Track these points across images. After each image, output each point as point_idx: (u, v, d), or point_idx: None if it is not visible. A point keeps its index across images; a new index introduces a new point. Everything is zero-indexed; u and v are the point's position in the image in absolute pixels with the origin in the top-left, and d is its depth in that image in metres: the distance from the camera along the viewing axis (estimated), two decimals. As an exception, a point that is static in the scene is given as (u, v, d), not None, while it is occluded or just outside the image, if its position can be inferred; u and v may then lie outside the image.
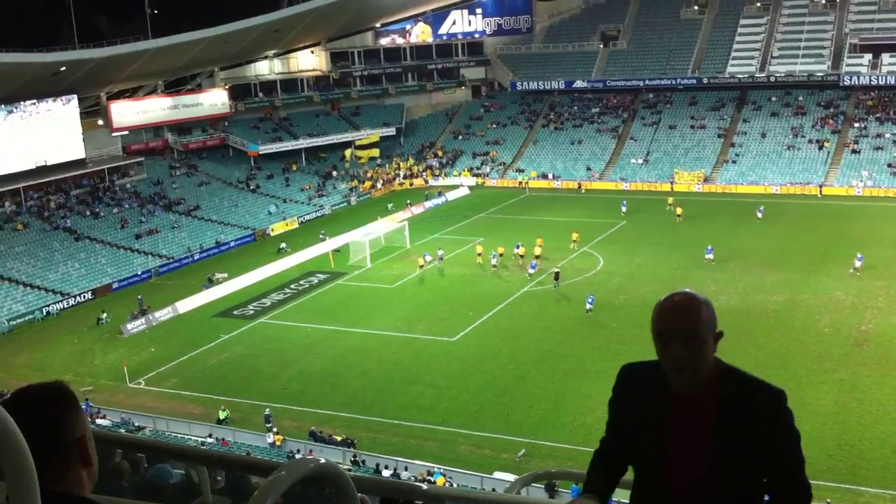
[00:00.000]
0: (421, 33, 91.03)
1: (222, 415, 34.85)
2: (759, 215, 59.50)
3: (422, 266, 52.10)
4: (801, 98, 78.43)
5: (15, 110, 62.80)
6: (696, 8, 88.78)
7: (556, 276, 47.76)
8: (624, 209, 63.11)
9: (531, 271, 49.53)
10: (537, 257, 51.04)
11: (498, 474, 28.18)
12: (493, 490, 21.58)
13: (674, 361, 3.10)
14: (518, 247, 53.04)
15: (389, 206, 69.74)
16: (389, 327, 43.60)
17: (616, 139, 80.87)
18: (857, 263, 47.02)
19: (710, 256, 49.52)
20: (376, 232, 59.07)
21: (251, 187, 74.05)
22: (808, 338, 38.77)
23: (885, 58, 76.31)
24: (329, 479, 2.48)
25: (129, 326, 46.02)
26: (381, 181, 78.58)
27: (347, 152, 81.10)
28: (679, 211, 60.90)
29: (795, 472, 3.19)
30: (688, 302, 3.12)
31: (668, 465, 3.22)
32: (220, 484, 5.00)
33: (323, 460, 2.44)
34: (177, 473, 6.08)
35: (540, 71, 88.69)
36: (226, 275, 53.82)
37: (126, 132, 72.46)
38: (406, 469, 29.47)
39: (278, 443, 32.35)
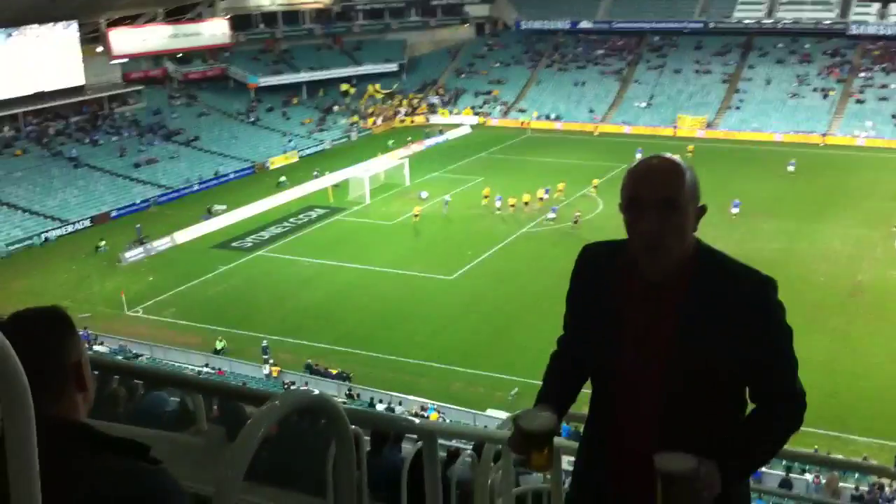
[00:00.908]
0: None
1: (219, 345, 35.12)
2: (791, 169, 57.11)
3: (416, 216, 50.34)
4: (807, 46, 77.70)
5: (14, 35, 62.11)
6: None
7: (576, 219, 47.63)
8: (639, 156, 61.14)
9: (552, 216, 49.11)
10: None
11: (490, 412, 28.51)
12: (485, 427, 21.85)
13: (646, 236, 2.63)
14: (547, 192, 52.25)
15: (390, 142, 69.42)
16: (387, 264, 43.71)
17: (620, 82, 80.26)
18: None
19: (736, 211, 47.39)
20: (376, 168, 58.89)
21: (251, 119, 73.65)
22: (803, 286, 38.81)
23: (894, 7, 75.37)
24: (322, 411, 2.51)
25: (127, 255, 46.10)
26: (382, 118, 78.14)
27: (370, 87, 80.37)
28: (691, 148, 60.46)
29: (785, 375, 2.75)
30: (668, 164, 2.68)
31: (624, 366, 2.76)
32: (216, 412, 5.07)
33: (316, 392, 2.47)
34: (172, 401, 6.16)
35: (545, 10, 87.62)
36: (224, 207, 53.79)
37: (125, 60, 71.79)
38: (400, 404, 29.79)
39: (275, 374, 32.66)
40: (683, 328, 2.66)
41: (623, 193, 2.69)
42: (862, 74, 73.85)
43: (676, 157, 2.72)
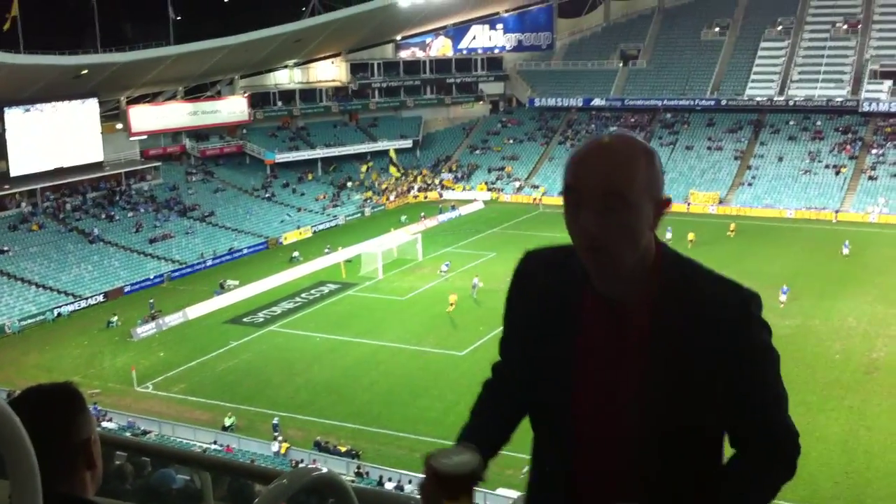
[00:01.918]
0: (441, 47, 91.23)
1: (228, 421, 34.88)
2: (846, 252, 55.30)
3: (452, 305, 47.43)
4: (819, 123, 78.21)
5: (35, 111, 63.18)
6: (717, 29, 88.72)
7: None
8: (669, 235, 55.66)
9: None
10: None
11: (501, 490, 28.07)
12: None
13: (584, 235, 2.08)
14: None
15: (403, 218, 69.81)
16: (399, 339, 43.58)
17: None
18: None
19: (784, 299, 44.94)
20: (389, 243, 59.12)
21: (266, 195, 74.28)
22: (818, 364, 38.54)
23: (905, 85, 76.12)
24: (331, 490, 2.49)
25: (139, 330, 46.15)
26: (396, 193, 78.71)
27: (392, 168, 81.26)
28: (733, 227, 61.17)
29: (773, 413, 2.27)
30: (617, 145, 2.13)
31: (577, 400, 2.25)
32: (223, 491, 5.02)
33: (325, 470, 2.45)
34: (180, 479, 6.11)
35: (558, 88, 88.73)
36: (237, 282, 53.94)
37: (144, 137, 72.81)
38: (410, 482, 29.41)
39: (283, 451, 32.36)
40: (650, 363, 2.17)
41: (563, 179, 2.14)
42: (874, 151, 74.15)
43: (633, 135, 2.22)
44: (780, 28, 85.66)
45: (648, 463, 2.21)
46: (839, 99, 78.18)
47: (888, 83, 76.85)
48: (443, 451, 2.29)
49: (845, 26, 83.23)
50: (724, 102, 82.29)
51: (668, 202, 2.25)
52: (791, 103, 79.66)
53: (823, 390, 35.70)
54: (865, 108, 76.23)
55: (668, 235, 56.39)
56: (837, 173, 72.58)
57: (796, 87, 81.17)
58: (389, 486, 28.52)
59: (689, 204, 71.52)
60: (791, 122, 79.22)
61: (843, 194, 70.29)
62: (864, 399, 34.97)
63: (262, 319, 47.97)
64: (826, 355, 39.54)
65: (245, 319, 48.02)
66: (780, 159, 75.77)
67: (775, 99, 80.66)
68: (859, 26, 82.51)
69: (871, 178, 71.44)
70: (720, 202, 71.93)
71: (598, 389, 2.23)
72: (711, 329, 2.15)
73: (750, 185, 73.96)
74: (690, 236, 57.10)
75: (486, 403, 2.56)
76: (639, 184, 2.11)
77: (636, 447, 2.21)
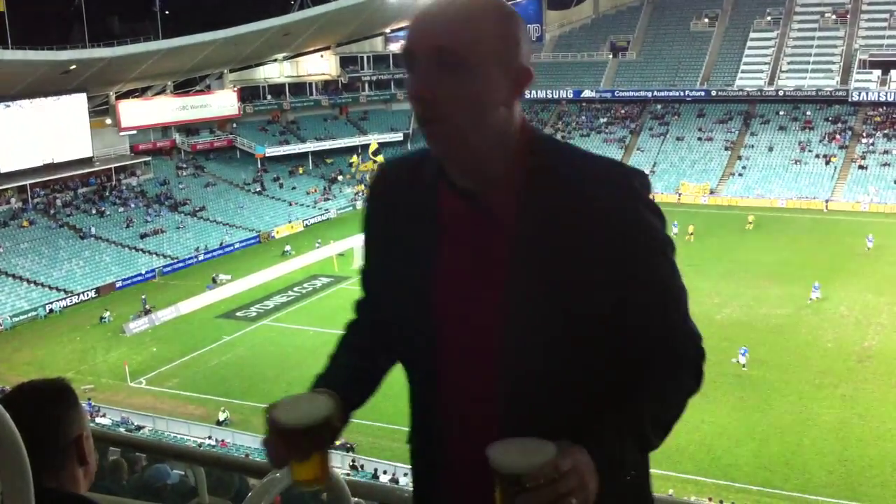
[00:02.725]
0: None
1: (222, 416, 34.86)
2: (870, 245, 54.05)
3: None
4: (808, 113, 78.35)
5: (24, 107, 62.93)
6: (706, 20, 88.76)
7: None
8: (675, 230, 55.35)
9: None
10: None
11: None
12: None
13: (417, 101, 1.77)
14: None
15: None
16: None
17: (623, 150, 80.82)
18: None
19: (818, 295, 44.67)
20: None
21: (257, 189, 74.15)
22: (811, 353, 38.67)
23: (895, 74, 76.25)
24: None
25: (131, 326, 46.06)
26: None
27: (355, 159, 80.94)
28: (751, 219, 60.79)
29: (668, 310, 1.90)
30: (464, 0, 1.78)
31: (440, 323, 1.88)
32: (218, 485, 5.01)
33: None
34: (175, 474, 6.10)
35: (548, 80, 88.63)
36: (230, 276, 53.86)
37: (134, 132, 72.59)
38: (405, 475, 29.44)
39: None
40: (517, 266, 1.81)
41: None
42: (864, 140, 74.32)
43: None
44: (768, 18, 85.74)
45: (529, 392, 1.85)
46: (829, 89, 78.31)
47: (877, 72, 77.00)
48: (288, 399, 1.94)
49: (834, 16, 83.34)
50: (714, 93, 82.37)
51: (528, 74, 1.88)
52: (781, 93, 79.78)
53: (816, 379, 35.81)
54: (855, 97, 76.36)
55: (675, 230, 56.50)
56: (828, 163, 72.74)
57: (786, 77, 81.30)
58: (384, 478, 28.55)
59: (679, 195, 71.63)
60: (781, 113, 79.32)
61: (834, 184, 70.45)
62: (856, 387, 35.08)
63: (255, 314, 47.91)
64: (818, 344, 39.66)
65: (238, 314, 47.96)
66: (771, 149, 75.89)
67: (765, 89, 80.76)
68: (848, 16, 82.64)
69: (861, 167, 71.61)
70: (711, 193, 72.04)
71: (463, 306, 1.86)
72: (589, 218, 1.78)
73: (741, 175, 74.07)
74: (690, 229, 57.20)
75: (345, 345, 2.23)
76: (484, 45, 1.77)
77: (512, 374, 1.84)
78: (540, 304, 1.80)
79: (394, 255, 1.97)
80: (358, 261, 55.14)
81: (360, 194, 76.01)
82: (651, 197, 1.88)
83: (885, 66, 76.84)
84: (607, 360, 1.89)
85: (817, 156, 73.77)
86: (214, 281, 53.31)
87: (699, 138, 79.41)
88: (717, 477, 28.82)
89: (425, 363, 1.95)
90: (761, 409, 33.37)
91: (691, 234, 56.67)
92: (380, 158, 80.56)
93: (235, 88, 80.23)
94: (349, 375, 2.16)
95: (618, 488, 1.78)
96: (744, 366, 36.38)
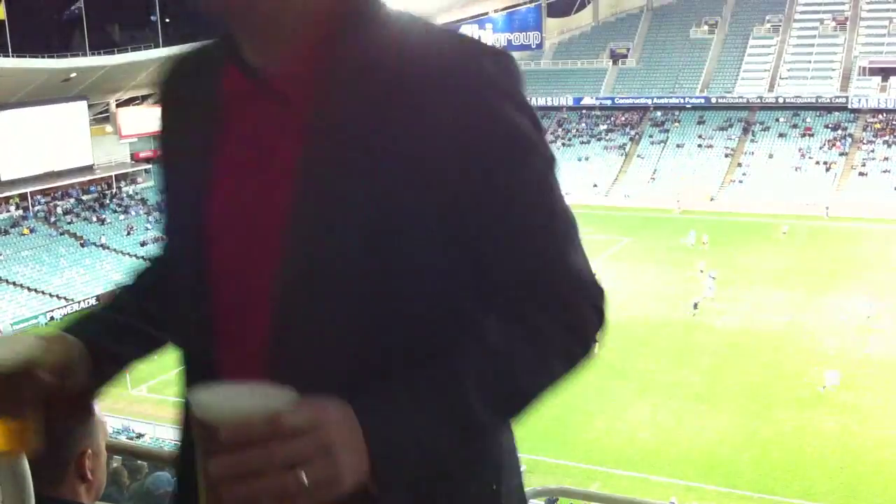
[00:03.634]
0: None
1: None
2: None
3: None
4: (808, 120, 78.39)
5: (24, 115, 62.98)
6: (705, 28, 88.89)
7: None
8: (692, 240, 57.39)
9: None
10: None
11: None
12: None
13: None
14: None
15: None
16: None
17: (624, 156, 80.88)
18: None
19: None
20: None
21: (258, 197, 74.11)
22: (812, 359, 38.67)
23: (894, 81, 76.36)
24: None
25: (132, 333, 45.96)
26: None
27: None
28: (784, 230, 59.54)
29: (535, 237, 1.36)
30: None
31: (212, 233, 1.41)
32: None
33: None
34: (176, 481, 6.08)
35: (548, 87, 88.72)
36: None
37: (135, 139, 72.62)
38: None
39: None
40: (311, 165, 1.31)
41: None
42: (864, 147, 74.35)
43: None
44: (768, 25, 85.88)
45: (312, 336, 1.33)
46: (828, 96, 78.39)
47: (877, 79, 77.13)
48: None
49: (833, 23, 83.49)
50: (713, 100, 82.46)
51: None
52: (780, 100, 79.86)
53: (817, 385, 35.82)
54: (855, 104, 76.45)
55: (691, 240, 56.58)
56: (828, 170, 72.75)
57: (785, 84, 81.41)
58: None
59: (679, 202, 71.61)
60: (781, 120, 79.36)
61: (834, 191, 70.44)
62: (858, 394, 35.06)
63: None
64: (819, 350, 39.66)
65: (238, 322, 47.88)
66: (771, 156, 75.88)
67: (765, 96, 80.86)
68: (847, 23, 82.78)
69: (861, 174, 71.62)
70: (711, 200, 72.02)
71: (243, 215, 1.38)
72: (412, 110, 1.28)
73: (741, 182, 74.07)
74: (703, 237, 57.12)
75: (128, 284, 1.79)
76: None
77: (292, 309, 1.32)
78: (338, 217, 1.29)
79: (176, 167, 1.57)
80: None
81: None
82: (517, 87, 1.42)
83: (885, 73, 76.96)
84: (432, 296, 1.35)
85: (817, 162, 73.79)
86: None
87: (699, 145, 79.42)
88: (718, 484, 28.78)
89: (197, 293, 1.42)
90: (762, 416, 33.33)
91: (705, 242, 56.86)
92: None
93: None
94: (108, 321, 1.69)
95: (410, 478, 1.21)
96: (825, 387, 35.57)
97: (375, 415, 1.16)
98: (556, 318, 1.36)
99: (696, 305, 44.54)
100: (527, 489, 2.72)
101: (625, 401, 34.82)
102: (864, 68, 78.23)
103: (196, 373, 1.49)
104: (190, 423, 1.14)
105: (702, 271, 49.26)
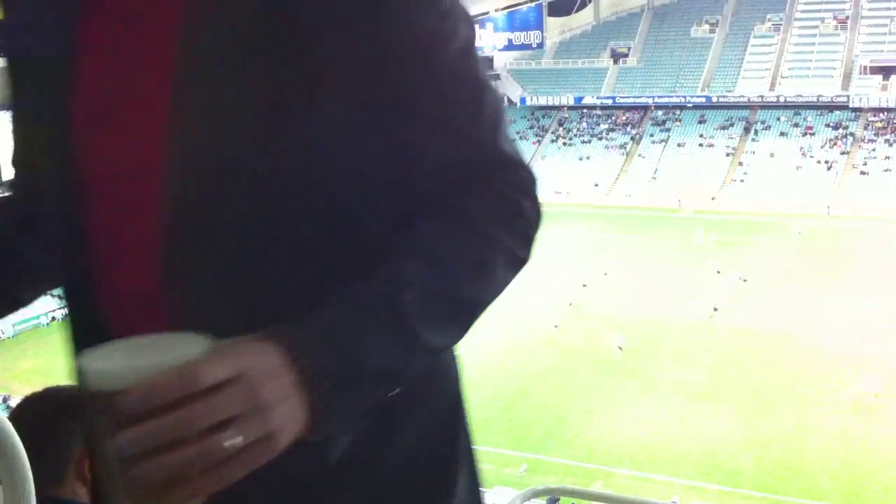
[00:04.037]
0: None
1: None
2: None
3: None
4: (809, 119, 78.39)
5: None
6: (706, 26, 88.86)
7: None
8: (700, 238, 57.55)
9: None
10: None
11: (498, 489, 28.11)
12: (495, 505, 21.53)
13: None
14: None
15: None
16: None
17: (625, 156, 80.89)
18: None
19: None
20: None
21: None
22: (813, 358, 38.69)
23: (895, 80, 76.37)
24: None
25: (134, 333, 45.95)
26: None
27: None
28: (799, 231, 58.87)
29: (452, 119, 1.19)
30: None
31: (79, 135, 1.14)
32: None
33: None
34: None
35: (549, 86, 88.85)
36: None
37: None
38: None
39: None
40: (191, 43, 1.08)
41: None
42: (865, 146, 74.34)
43: None
44: (769, 24, 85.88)
45: (241, 251, 1.12)
46: (829, 94, 78.40)
47: (878, 78, 77.11)
48: None
49: (834, 22, 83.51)
50: (714, 99, 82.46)
51: None
52: (782, 99, 79.86)
53: (819, 384, 35.87)
54: (856, 103, 76.45)
55: (700, 238, 56.55)
56: (829, 169, 72.74)
57: (786, 83, 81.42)
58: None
59: (680, 201, 71.60)
60: (782, 119, 79.36)
61: (835, 189, 70.40)
62: (858, 392, 35.07)
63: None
64: (820, 349, 39.65)
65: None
66: (772, 155, 75.86)
67: (766, 95, 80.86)
68: (848, 21, 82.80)
69: (862, 173, 71.60)
70: (712, 199, 72.01)
71: (115, 115, 1.14)
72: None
73: (742, 181, 74.05)
74: (710, 236, 57.07)
75: None
76: None
77: (183, 221, 1.09)
78: (229, 101, 1.08)
79: (26, 59, 1.21)
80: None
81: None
82: None
83: (886, 72, 76.97)
84: (351, 196, 1.17)
85: (818, 162, 73.78)
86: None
87: (700, 145, 79.42)
88: (720, 483, 28.81)
89: (68, 222, 1.19)
90: (764, 415, 33.34)
91: (710, 241, 56.93)
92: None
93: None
94: None
95: (355, 419, 1.03)
96: None
97: (307, 350, 0.96)
98: (496, 214, 1.19)
99: (715, 308, 44.11)
100: (527, 488, 2.70)
101: (628, 399, 34.84)
102: (865, 67, 78.22)
103: (83, 332, 1.29)
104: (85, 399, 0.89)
105: (718, 272, 49.19)
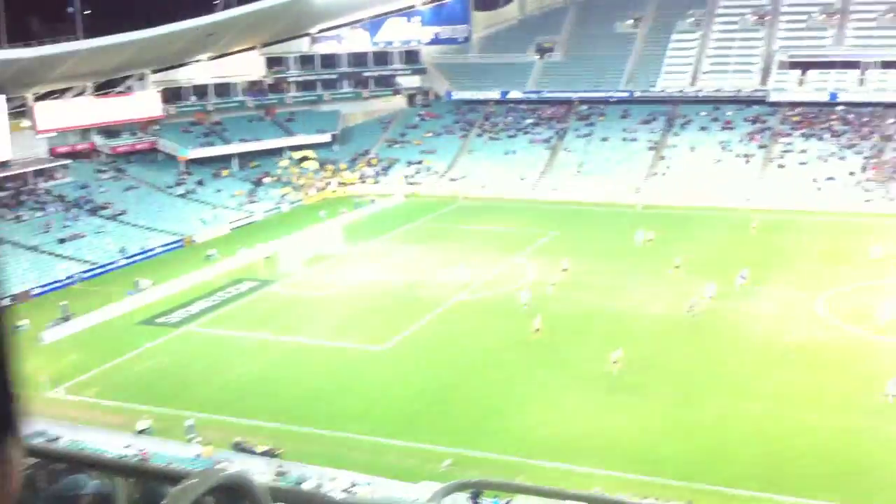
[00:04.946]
0: (358, 40, 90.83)
1: (143, 424, 34.03)
2: (878, 255, 51.79)
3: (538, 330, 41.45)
4: (729, 113, 80.00)
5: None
6: (630, 22, 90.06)
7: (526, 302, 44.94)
8: (641, 236, 57.83)
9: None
10: None
11: (424, 484, 28.06)
12: (416, 500, 21.50)
13: None
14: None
15: (322, 213, 69.10)
16: (320, 336, 43.20)
17: (550, 150, 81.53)
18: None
19: (742, 282, 46.72)
20: (308, 239, 58.58)
21: (180, 192, 72.92)
22: (740, 345, 39.47)
23: (812, 74, 78.34)
24: (242, 490, 2.36)
25: (48, 334, 44.82)
26: (315, 188, 78.01)
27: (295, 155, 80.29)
28: (755, 224, 60.09)
29: None
30: None
31: None
32: (137, 494, 4.80)
33: (234, 470, 2.31)
34: (92, 484, 5.84)
35: (476, 80, 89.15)
36: (151, 281, 52.69)
37: (53, 134, 70.82)
38: (333, 480, 29.18)
39: (207, 455, 31.62)
40: None
41: None
42: (782, 140, 76.12)
43: None
44: (691, 20, 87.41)
45: None
46: (748, 89, 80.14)
47: (796, 73, 79.03)
48: None
49: (754, 17, 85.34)
50: (637, 94, 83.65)
51: None
52: (702, 94, 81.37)
53: (746, 370, 36.62)
54: (774, 97, 78.27)
55: (640, 237, 56.97)
56: (748, 162, 74.29)
57: (707, 77, 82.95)
58: (310, 483, 28.24)
59: (605, 194, 72.40)
60: (702, 113, 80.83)
61: (754, 182, 71.86)
62: (784, 379, 35.78)
63: (177, 319, 47.01)
64: (747, 336, 40.53)
65: (160, 320, 47.03)
66: (693, 149, 77.21)
67: (686, 90, 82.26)
68: (768, 17, 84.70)
69: (780, 166, 73.27)
70: (636, 192, 72.95)
71: None
72: None
73: (664, 175, 75.21)
74: (650, 234, 57.66)
75: None
76: None
77: None
78: None
79: None
80: (283, 264, 54.73)
81: (286, 197, 75.35)
82: None
83: (804, 67, 78.91)
84: None
85: (737, 155, 75.31)
86: (136, 286, 52.18)
87: (623, 139, 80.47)
88: (644, 473, 29.09)
89: None
90: (687, 405, 33.85)
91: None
92: (307, 164, 79.98)
93: (158, 90, 78.83)
94: None
95: None
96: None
97: None
98: None
99: (691, 307, 43.71)
100: (448, 483, 2.62)
101: (556, 391, 35.05)
102: (784, 62, 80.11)
103: None
104: None
105: (677, 267, 49.66)
